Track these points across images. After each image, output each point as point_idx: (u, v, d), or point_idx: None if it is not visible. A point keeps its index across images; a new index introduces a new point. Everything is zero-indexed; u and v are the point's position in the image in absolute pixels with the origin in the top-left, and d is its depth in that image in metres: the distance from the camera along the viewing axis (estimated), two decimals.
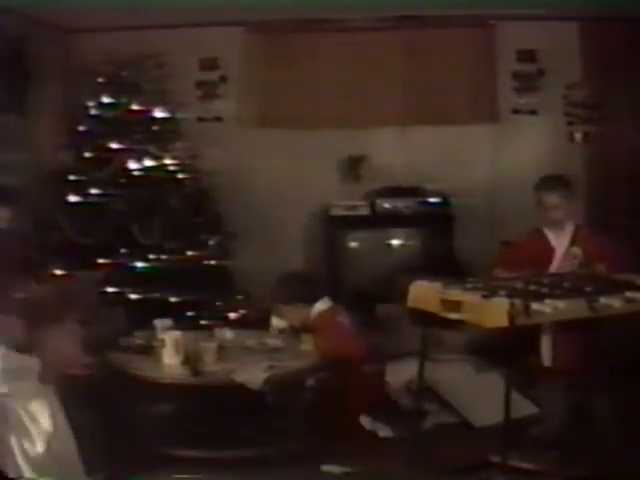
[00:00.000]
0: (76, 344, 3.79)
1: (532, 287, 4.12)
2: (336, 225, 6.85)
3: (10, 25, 5.95)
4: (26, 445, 3.38)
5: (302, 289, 5.22)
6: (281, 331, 5.11)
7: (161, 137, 6.34)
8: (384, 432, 4.94)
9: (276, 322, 5.17)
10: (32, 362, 3.47)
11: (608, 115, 6.92)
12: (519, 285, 4.16)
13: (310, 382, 4.83)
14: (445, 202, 6.83)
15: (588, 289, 4.06)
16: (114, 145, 6.18)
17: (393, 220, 6.87)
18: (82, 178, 6.16)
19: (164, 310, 5.43)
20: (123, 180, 6.15)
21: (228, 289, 6.35)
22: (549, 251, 4.66)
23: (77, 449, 3.55)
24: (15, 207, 4.13)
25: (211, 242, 6.31)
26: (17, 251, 4.29)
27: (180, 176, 6.31)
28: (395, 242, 6.96)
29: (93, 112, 6.29)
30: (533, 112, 7.03)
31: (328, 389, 4.87)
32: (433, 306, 4.16)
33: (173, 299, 5.96)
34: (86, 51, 6.67)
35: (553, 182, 4.71)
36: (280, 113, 7.08)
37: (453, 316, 4.05)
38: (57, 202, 6.14)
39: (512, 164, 6.98)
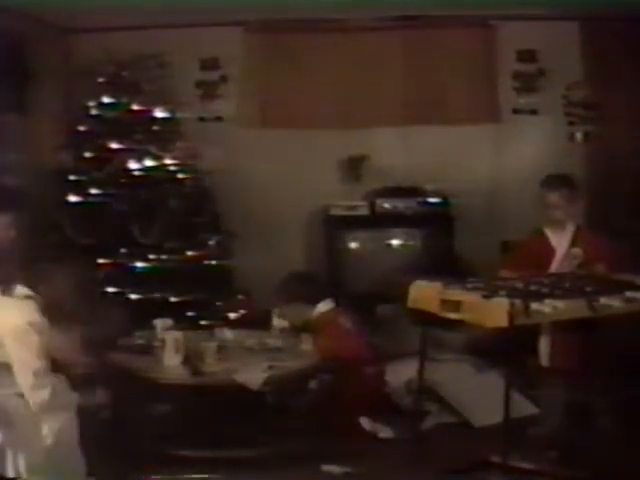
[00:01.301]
0: (76, 344, 3.79)
1: (532, 287, 4.12)
2: (336, 225, 6.85)
3: (10, 25, 5.94)
4: (26, 446, 3.38)
5: (305, 289, 5.22)
6: (282, 331, 5.11)
7: (161, 137, 6.34)
8: (384, 433, 4.94)
9: (277, 322, 5.17)
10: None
11: (608, 115, 6.91)
12: (519, 285, 4.16)
13: (312, 384, 4.84)
14: (445, 202, 6.82)
15: (588, 289, 4.06)
16: (114, 145, 6.18)
17: (393, 220, 6.87)
18: (82, 178, 6.16)
19: (164, 310, 5.43)
20: (123, 180, 6.15)
21: (228, 289, 6.36)
22: (549, 251, 4.66)
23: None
24: (17, 212, 4.09)
25: (211, 242, 6.31)
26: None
27: (180, 176, 6.31)
28: (395, 242, 6.95)
29: (93, 112, 6.29)
30: (533, 112, 7.03)
31: (328, 389, 4.87)
32: (433, 306, 4.16)
33: (173, 299, 5.97)
34: (86, 51, 6.66)
35: (556, 181, 4.72)
36: (280, 113, 7.08)
37: (453, 316, 4.05)
38: (57, 202, 6.14)
39: (512, 164, 6.98)
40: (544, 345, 4.51)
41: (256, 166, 6.95)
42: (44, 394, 3.32)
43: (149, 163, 6.21)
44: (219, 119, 7.10)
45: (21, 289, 3.44)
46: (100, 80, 6.34)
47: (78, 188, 6.15)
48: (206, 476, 4.24)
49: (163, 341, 4.67)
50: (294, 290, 5.21)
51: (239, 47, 7.01)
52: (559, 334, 4.41)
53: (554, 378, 4.52)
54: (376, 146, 7.11)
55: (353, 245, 6.91)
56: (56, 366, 3.54)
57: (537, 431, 4.60)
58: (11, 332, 3.33)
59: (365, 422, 4.97)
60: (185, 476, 4.22)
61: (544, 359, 4.53)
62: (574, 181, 4.83)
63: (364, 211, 6.86)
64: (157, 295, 5.95)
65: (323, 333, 5.03)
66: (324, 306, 5.20)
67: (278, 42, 7.05)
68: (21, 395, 3.38)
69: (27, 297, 3.43)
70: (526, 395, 5.08)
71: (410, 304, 4.36)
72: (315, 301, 5.18)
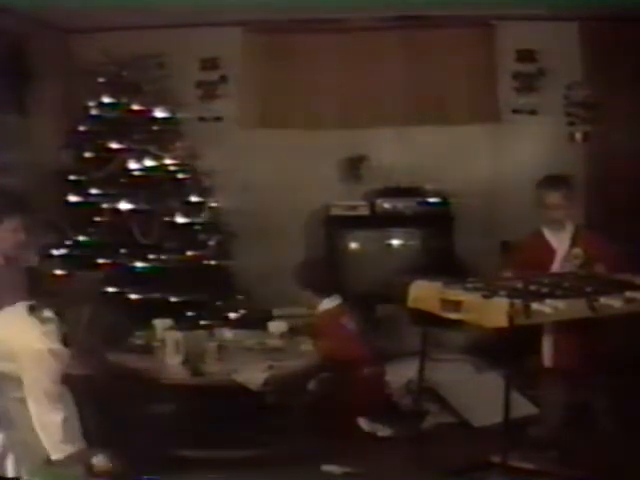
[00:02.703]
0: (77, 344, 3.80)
1: (532, 287, 4.12)
2: (336, 225, 6.84)
3: (10, 25, 5.95)
4: (27, 448, 3.38)
5: (316, 277, 5.24)
6: (281, 335, 5.08)
7: (161, 137, 6.34)
8: (383, 431, 4.94)
9: (274, 327, 5.15)
10: None
11: (608, 115, 6.92)
12: (519, 285, 4.16)
13: (312, 384, 4.84)
14: (445, 202, 6.82)
15: (588, 289, 4.06)
16: (114, 145, 6.18)
17: (393, 220, 6.87)
18: (82, 178, 6.16)
19: (164, 310, 5.43)
20: (123, 180, 6.15)
21: (228, 289, 6.36)
22: (550, 252, 4.66)
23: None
24: (24, 215, 4.07)
25: (211, 242, 6.31)
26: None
27: (180, 176, 6.31)
28: (395, 242, 6.95)
29: (93, 112, 6.29)
30: (533, 112, 7.03)
31: (328, 389, 4.87)
32: (433, 306, 4.16)
33: (173, 299, 5.96)
34: (86, 51, 6.66)
35: (555, 181, 4.72)
36: (280, 113, 7.08)
37: (453, 316, 4.05)
38: (57, 202, 6.14)
39: (512, 164, 6.98)
40: (547, 345, 4.51)
41: (256, 166, 6.95)
42: (58, 417, 3.29)
43: (149, 163, 6.21)
44: (219, 119, 7.10)
45: (47, 312, 3.43)
46: (100, 80, 6.34)
47: (78, 188, 6.15)
48: (206, 476, 4.24)
49: (163, 341, 4.68)
50: (306, 276, 5.23)
51: (239, 47, 7.01)
52: (562, 334, 4.41)
53: (555, 378, 4.52)
54: (376, 146, 7.10)
55: (353, 245, 6.91)
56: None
57: (537, 431, 4.60)
58: (30, 355, 3.32)
59: (363, 422, 4.97)
60: (185, 476, 4.22)
61: (547, 359, 4.52)
62: (572, 181, 4.84)
63: (364, 211, 6.86)
64: (157, 295, 5.95)
65: (324, 333, 5.03)
66: (330, 302, 5.21)
67: (278, 42, 7.05)
68: (23, 400, 3.37)
69: (51, 321, 3.42)
70: (526, 395, 5.08)
71: (410, 304, 4.36)
72: (323, 293, 5.18)
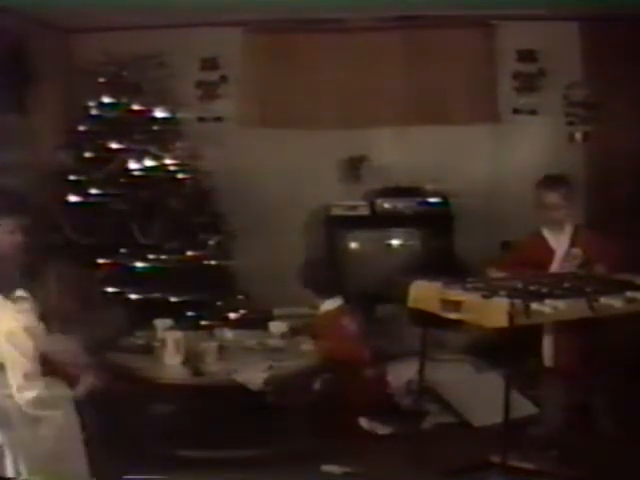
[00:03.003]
0: (77, 344, 3.80)
1: (532, 287, 4.12)
2: (336, 225, 6.84)
3: (10, 25, 5.95)
4: (25, 446, 3.38)
5: (318, 277, 5.24)
6: (282, 335, 5.08)
7: (161, 137, 6.34)
8: (383, 430, 4.95)
9: (274, 327, 5.15)
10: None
11: (608, 115, 6.91)
12: (519, 285, 4.16)
13: (315, 385, 4.84)
14: (445, 202, 6.82)
15: (588, 289, 4.07)
16: (114, 145, 6.18)
17: (393, 220, 6.87)
18: (82, 178, 6.16)
19: (164, 310, 5.43)
20: (123, 180, 6.15)
21: (228, 289, 6.36)
22: (549, 252, 4.66)
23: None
24: (21, 216, 4.06)
25: (211, 242, 6.31)
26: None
27: (180, 176, 6.31)
28: (395, 242, 6.96)
29: (93, 112, 6.29)
30: (533, 112, 7.03)
31: (329, 389, 4.88)
32: (433, 306, 4.16)
33: (173, 299, 5.97)
34: (86, 51, 6.67)
35: (554, 181, 4.72)
36: (280, 113, 7.08)
37: (453, 316, 4.06)
38: (57, 202, 6.14)
39: (512, 164, 6.98)
40: (548, 345, 4.51)
41: (256, 166, 6.95)
42: (31, 394, 3.35)
43: (149, 163, 6.20)
44: (219, 119, 7.10)
45: (20, 292, 3.46)
46: (100, 80, 6.34)
47: (78, 188, 6.15)
48: (206, 476, 4.24)
49: (163, 341, 4.68)
50: (307, 276, 5.23)
51: (239, 47, 7.01)
52: (563, 334, 4.41)
53: (555, 378, 4.52)
54: (376, 146, 7.10)
55: (353, 245, 6.91)
56: (55, 369, 3.55)
57: (537, 431, 4.60)
58: (6, 335, 3.36)
59: (364, 421, 4.98)
60: (185, 476, 4.22)
61: (548, 359, 4.52)
62: (570, 180, 4.84)
63: (364, 211, 6.86)
64: (157, 295, 5.95)
65: (325, 334, 5.03)
66: (330, 304, 5.20)
67: (278, 42, 7.05)
68: None
69: (25, 300, 3.45)
70: (526, 395, 5.08)
71: (410, 304, 4.37)
72: (324, 294, 5.18)
